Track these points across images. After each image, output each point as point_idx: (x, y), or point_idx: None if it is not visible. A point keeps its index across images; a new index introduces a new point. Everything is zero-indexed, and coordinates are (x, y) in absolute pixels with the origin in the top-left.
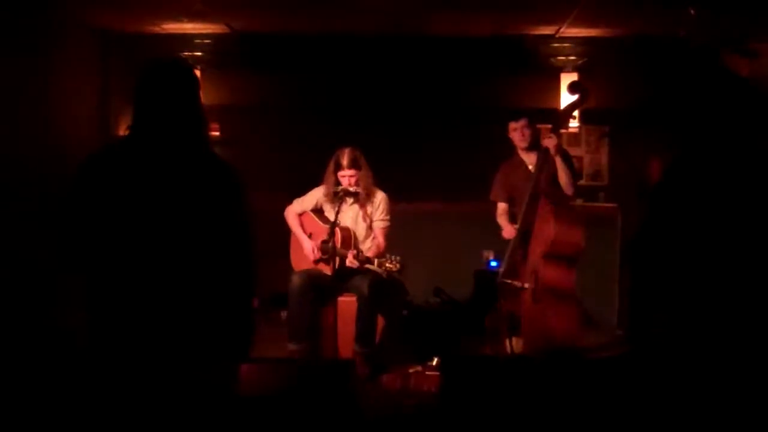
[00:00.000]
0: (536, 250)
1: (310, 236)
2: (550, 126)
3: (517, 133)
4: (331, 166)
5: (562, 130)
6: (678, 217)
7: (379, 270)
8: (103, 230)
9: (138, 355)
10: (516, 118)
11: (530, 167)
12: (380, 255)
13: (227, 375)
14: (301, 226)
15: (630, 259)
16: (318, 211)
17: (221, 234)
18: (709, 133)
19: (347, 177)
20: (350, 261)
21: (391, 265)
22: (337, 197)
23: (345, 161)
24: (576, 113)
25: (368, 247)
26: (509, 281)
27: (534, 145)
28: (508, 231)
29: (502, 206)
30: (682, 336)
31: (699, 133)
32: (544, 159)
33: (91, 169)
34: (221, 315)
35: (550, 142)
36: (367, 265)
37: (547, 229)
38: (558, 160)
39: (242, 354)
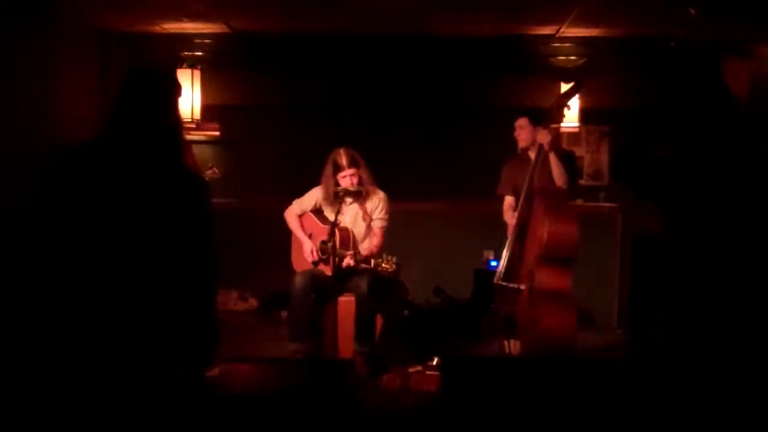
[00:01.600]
0: (531, 251)
1: (310, 236)
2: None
3: (516, 132)
4: (329, 169)
5: (560, 127)
6: (674, 217)
7: (376, 270)
8: (67, 231)
9: (99, 357)
10: (516, 117)
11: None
12: (376, 254)
13: (191, 379)
14: (301, 226)
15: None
16: (318, 211)
17: (183, 239)
18: (699, 135)
19: (348, 177)
20: (347, 262)
21: (387, 266)
22: (337, 198)
23: (344, 161)
24: (575, 108)
25: (365, 246)
26: (505, 284)
27: (535, 144)
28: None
29: (508, 200)
30: (683, 336)
31: (691, 134)
32: (539, 155)
33: (59, 169)
34: (183, 319)
35: (543, 138)
36: (364, 265)
37: (541, 231)
38: (552, 156)
39: (205, 359)
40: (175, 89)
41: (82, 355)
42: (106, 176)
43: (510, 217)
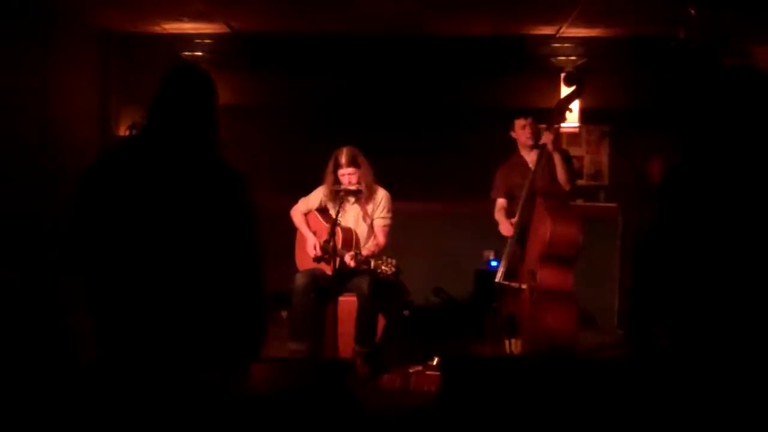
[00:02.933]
0: (533, 250)
1: (314, 234)
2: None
3: (525, 130)
4: (330, 166)
5: (561, 127)
6: (688, 219)
7: (375, 271)
8: (109, 232)
9: (145, 359)
10: (524, 116)
11: (531, 166)
12: (378, 255)
13: (238, 375)
14: (307, 224)
15: (636, 259)
16: (323, 210)
17: (227, 236)
18: (725, 133)
19: (347, 175)
20: (348, 262)
21: (386, 268)
22: (338, 197)
23: (343, 159)
24: (576, 108)
25: (367, 246)
26: (507, 283)
27: (536, 145)
28: (506, 227)
29: (500, 202)
30: (689, 338)
31: (714, 132)
32: (542, 156)
33: (99, 171)
34: (230, 315)
35: (546, 138)
36: (365, 266)
37: (543, 230)
38: (556, 156)
39: (253, 353)
40: (214, 90)
41: (129, 356)
42: (147, 175)
43: (502, 218)
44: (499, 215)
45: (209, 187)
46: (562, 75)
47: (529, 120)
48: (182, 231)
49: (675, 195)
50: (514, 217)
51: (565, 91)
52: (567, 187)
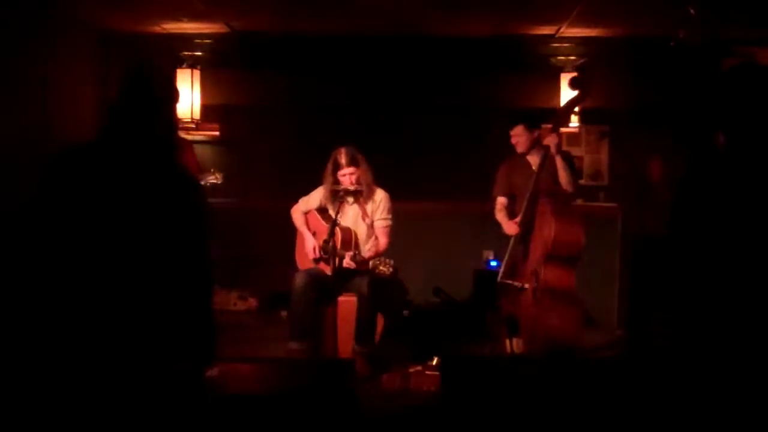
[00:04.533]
0: (537, 250)
1: (314, 234)
2: (550, 126)
3: (514, 140)
4: (330, 167)
5: (563, 129)
6: (703, 222)
7: (373, 272)
8: (65, 231)
9: (95, 358)
10: (512, 126)
11: (533, 167)
12: (378, 256)
13: (191, 377)
14: (307, 224)
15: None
16: (323, 210)
17: (178, 239)
18: (738, 132)
19: (347, 175)
20: (347, 262)
21: (384, 268)
22: (338, 197)
23: (343, 159)
24: (576, 110)
25: (369, 248)
26: (510, 282)
27: (535, 147)
28: (510, 227)
29: (501, 201)
30: (696, 338)
31: (728, 131)
32: (545, 158)
33: (56, 170)
34: (180, 318)
35: (550, 140)
36: (364, 267)
37: (548, 230)
38: (558, 159)
39: (205, 357)
40: (173, 93)
41: (78, 354)
42: (102, 178)
43: (503, 217)
44: (501, 215)
45: (163, 192)
46: (567, 78)
47: (519, 129)
48: (135, 233)
49: (693, 193)
50: (515, 217)
51: (568, 93)
52: (570, 189)
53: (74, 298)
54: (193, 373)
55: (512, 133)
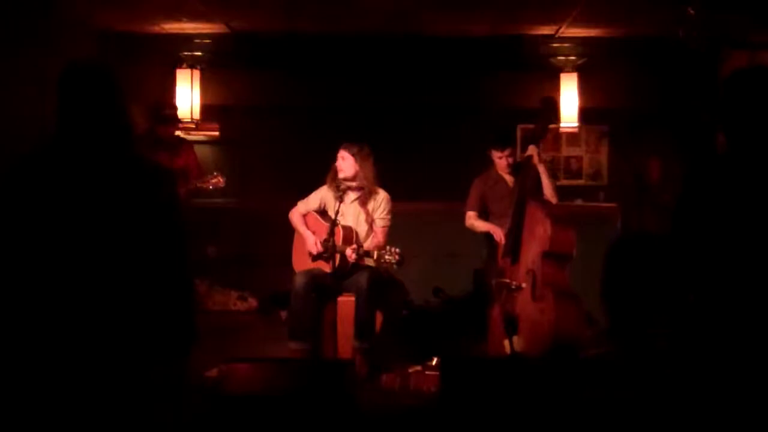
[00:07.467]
0: (531, 250)
1: (313, 234)
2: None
3: (502, 161)
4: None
5: (563, 129)
6: (705, 222)
7: (378, 263)
8: (29, 237)
9: (66, 361)
10: (501, 147)
11: (509, 184)
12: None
13: (169, 373)
14: (305, 225)
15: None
16: (323, 212)
17: (148, 231)
18: (745, 132)
19: (339, 160)
20: (350, 255)
21: (390, 257)
22: (339, 190)
23: (341, 148)
24: (575, 108)
25: (368, 244)
26: (507, 281)
27: (515, 168)
28: (499, 234)
29: (471, 215)
30: (696, 338)
31: (736, 132)
32: (528, 166)
33: (14, 177)
34: (157, 315)
35: (532, 150)
36: (366, 259)
37: (542, 230)
38: (542, 168)
39: (181, 350)
40: (114, 85)
41: (51, 355)
42: (62, 180)
43: (481, 224)
44: (479, 223)
45: (126, 186)
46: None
47: (507, 152)
48: (102, 232)
49: (695, 194)
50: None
51: (568, 94)
52: (554, 199)
53: (43, 300)
54: (169, 366)
55: (496, 155)
